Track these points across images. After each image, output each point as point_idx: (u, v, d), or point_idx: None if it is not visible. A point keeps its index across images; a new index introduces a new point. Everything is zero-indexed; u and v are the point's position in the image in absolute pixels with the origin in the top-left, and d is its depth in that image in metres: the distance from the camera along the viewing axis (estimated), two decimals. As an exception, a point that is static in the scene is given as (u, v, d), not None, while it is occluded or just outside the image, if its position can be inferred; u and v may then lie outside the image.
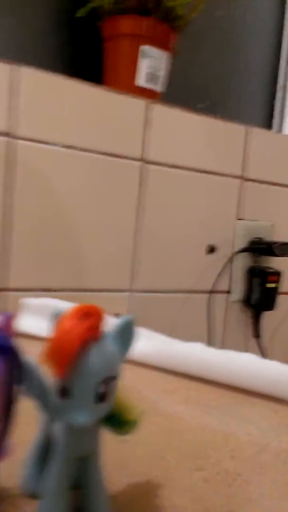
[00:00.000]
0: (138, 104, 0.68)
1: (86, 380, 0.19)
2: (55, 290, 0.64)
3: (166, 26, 0.68)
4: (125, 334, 0.22)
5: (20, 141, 0.60)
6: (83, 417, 0.20)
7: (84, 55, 0.77)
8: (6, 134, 0.59)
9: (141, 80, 0.69)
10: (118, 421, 0.22)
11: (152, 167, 0.71)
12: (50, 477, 0.22)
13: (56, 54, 0.75)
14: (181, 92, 0.88)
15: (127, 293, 0.72)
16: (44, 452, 0.25)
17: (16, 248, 0.61)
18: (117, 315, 0.71)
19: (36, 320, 0.53)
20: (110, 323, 0.21)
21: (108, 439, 0.23)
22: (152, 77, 0.69)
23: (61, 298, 0.60)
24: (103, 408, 0.21)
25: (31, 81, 0.60)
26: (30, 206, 0.61)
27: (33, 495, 0.24)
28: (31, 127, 0.60)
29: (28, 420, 0.30)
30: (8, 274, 0.61)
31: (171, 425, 0.36)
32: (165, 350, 0.47)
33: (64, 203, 0.64)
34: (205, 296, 0.79)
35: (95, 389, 0.20)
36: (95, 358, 0.19)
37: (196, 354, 0.45)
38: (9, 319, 0.20)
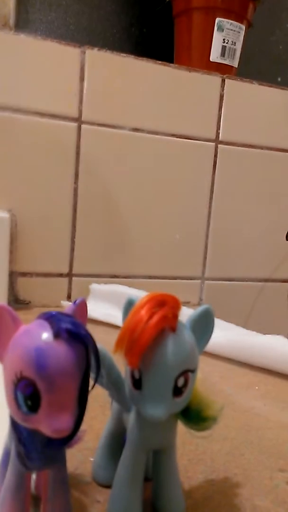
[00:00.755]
0: (212, 80, 0.65)
1: (163, 372, 0.18)
2: (122, 277, 0.64)
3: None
4: (203, 325, 0.20)
5: (87, 126, 0.59)
6: (157, 410, 0.18)
7: (153, 35, 0.75)
8: (76, 120, 0.59)
9: (216, 55, 0.65)
10: (196, 416, 0.20)
11: (227, 147, 0.68)
12: (122, 467, 0.22)
13: (125, 34, 0.74)
14: (259, 66, 0.83)
15: (198, 281, 0.70)
16: (116, 441, 0.24)
17: (81, 233, 0.61)
18: (187, 303, 0.69)
19: (103, 306, 0.53)
20: (184, 313, 0.20)
21: (182, 431, 0.22)
22: (227, 52, 0.66)
23: (127, 285, 0.60)
24: (180, 403, 0.19)
25: (99, 63, 0.59)
26: (94, 192, 0.61)
27: (105, 484, 0.24)
28: (99, 110, 0.60)
29: (100, 407, 0.30)
30: (73, 259, 0.61)
31: (248, 421, 0.34)
32: (241, 341, 0.44)
33: (131, 189, 0.63)
34: (285, 285, 0.75)
35: (171, 382, 0.18)
36: (172, 349, 0.18)
37: (276, 347, 0.42)
38: (82, 305, 0.19)
